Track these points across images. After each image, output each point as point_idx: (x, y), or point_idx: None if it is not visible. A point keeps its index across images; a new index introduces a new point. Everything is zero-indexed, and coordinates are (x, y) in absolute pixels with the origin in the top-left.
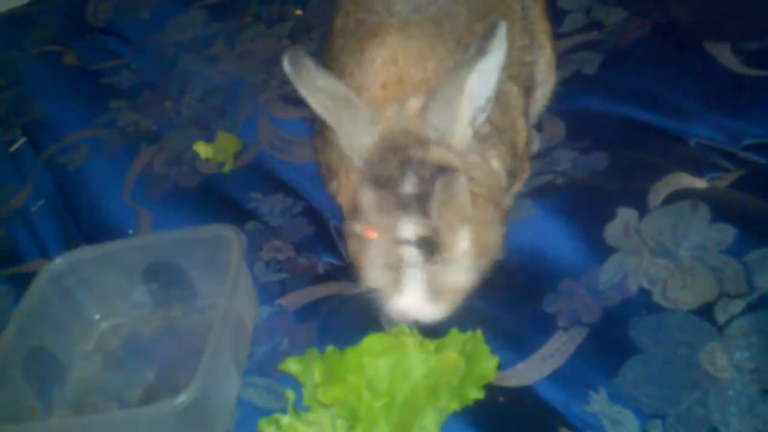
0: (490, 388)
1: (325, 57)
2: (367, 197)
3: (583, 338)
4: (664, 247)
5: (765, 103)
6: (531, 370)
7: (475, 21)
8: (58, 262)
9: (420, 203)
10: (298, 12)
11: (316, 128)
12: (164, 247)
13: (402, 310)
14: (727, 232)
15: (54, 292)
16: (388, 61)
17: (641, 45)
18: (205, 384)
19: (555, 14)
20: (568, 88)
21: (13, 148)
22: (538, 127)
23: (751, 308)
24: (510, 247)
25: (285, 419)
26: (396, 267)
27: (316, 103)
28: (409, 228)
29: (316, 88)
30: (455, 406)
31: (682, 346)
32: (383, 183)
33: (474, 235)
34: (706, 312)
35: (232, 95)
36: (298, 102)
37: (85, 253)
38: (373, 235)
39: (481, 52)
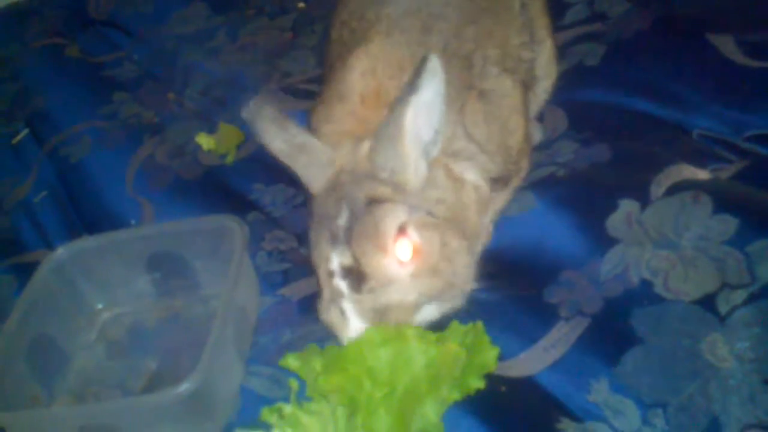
0: (492, 378)
1: (324, 65)
2: (310, 235)
3: (584, 328)
4: (666, 239)
5: (767, 95)
6: (533, 360)
7: (465, 25)
8: (61, 251)
9: (346, 234)
10: (301, 5)
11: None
12: (167, 238)
13: (348, 336)
14: (729, 223)
15: (57, 281)
16: (366, 71)
17: (644, 37)
18: (208, 373)
19: (557, 6)
20: (570, 80)
21: (15, 140)
22: (540, 118)
23: (752, 299)
24: (511, 238)
25: (287, 408)
26: (336, 300)
27: (276, 150)
28: (335, 260)
29: (275, 136)
30: (456, 396)
31: (683, 337)
32: (321, 221)
33: (419, 260)
34: (707, 302)
35: (234, 87)
36: (300, 94)
37: (88, 242)
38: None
39: (413, 88)
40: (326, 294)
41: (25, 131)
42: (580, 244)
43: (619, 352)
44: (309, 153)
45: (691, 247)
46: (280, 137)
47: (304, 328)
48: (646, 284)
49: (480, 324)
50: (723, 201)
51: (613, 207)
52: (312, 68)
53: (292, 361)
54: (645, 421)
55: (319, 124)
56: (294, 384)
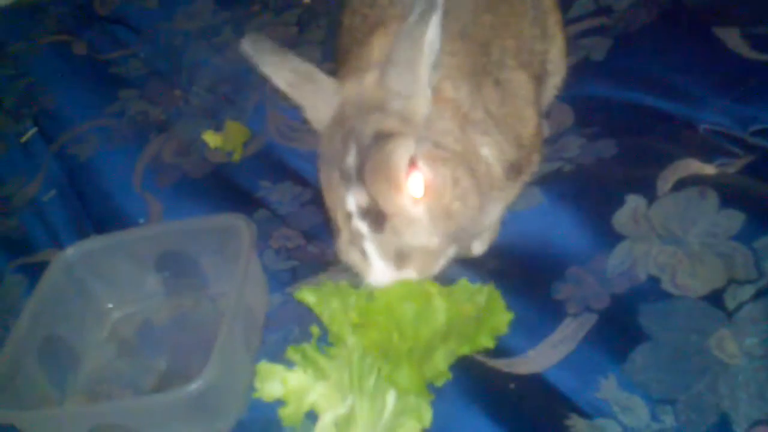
0: (500, 375)
1: (335, 53)
2: (320, 176)
3: (592, 325)
4: (672, 234)
5: None
6: (541, 357)
7: (482, 12)
8: (70, 251)
9: (358, 173)
10: (306, 0)
11: None
12: (175, 236)
13: (375, 282)
14: (736, 219)
15: (66, 281)
16: (386, 47)
17: (650, 30)
18: (218, 371)
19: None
20: (576, 75)
21: (24, 139)
22: (546, 114)
23: (760, 294)
24: (518, 234)
25: (310, 349)
26: (355, 241)
27: (281, 79)
28: (351, 201)
29: (279, 65)
30: (465, 350)
31: (691, 333)
32: (329, 160)
33: (432, 197)
34: (715, 298)
35: (240, 84)
36: None
37: (97, 242)
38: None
39: (433, 5)
40: (345, 235)
41: (34, 129)
42: (586, 239)
43: (627, 348)
44: (315, 82)
45: (698, 242)
46: (285, 66)
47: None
48: (653, 280)
49: (493, 287)
50: (730, 196)
51: (620, 203)
52: (318, 63)
53: (308, 295)
54: (654, 418)
55: None
56: (315, 330)
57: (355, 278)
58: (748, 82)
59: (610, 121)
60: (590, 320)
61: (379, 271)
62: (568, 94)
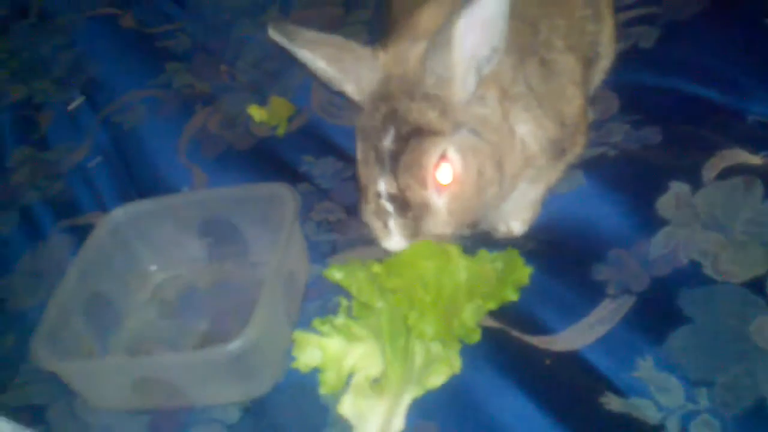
0: (536, 351)
1: (383, 26)
2: (357, 147)
3: (630, 306)
4: (716, 221)
5: None
6: (578, 336)
7: None
8: (117, 213)
9: (392, 162)
10: None
11: None
12: (220, 203)
13: (390, 246)
14: None
15: (112, 242)
16: (436, 16)
17: (699, 20)
18: (258, 332)
19: None
20: (623, 62)
21: (72, 107)
22: (591, 100)
23: None
24: (559, 216)
25: (339, 320)
26: (380, 214)
27: (320, 56)
28: (382, 185)
29: (317, 42)
30: (492, 306)
31: (731, 318)
32: (368, 134)
33: (456, 188)
34: (756, 286)
35: (285, 61)
36: None
37: (144, 205)
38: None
39: (469, 2)
40: (372, 205)
41: (81, 98)
42: (629, 223)
43: (665, 330)
44: (355, 52)
45: (741, 230)
46: (323, 42)
47: None
48: (694, 265)
49: (513, 250)
50: None
51: (664, 189)
52: (365, 43)
53: (335, 272)
54: (689, 398)
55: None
56: (344, 301)
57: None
58: None
59: (656, 109)
60: (629, 302)
61: (397, 244)
62: (615, 81)
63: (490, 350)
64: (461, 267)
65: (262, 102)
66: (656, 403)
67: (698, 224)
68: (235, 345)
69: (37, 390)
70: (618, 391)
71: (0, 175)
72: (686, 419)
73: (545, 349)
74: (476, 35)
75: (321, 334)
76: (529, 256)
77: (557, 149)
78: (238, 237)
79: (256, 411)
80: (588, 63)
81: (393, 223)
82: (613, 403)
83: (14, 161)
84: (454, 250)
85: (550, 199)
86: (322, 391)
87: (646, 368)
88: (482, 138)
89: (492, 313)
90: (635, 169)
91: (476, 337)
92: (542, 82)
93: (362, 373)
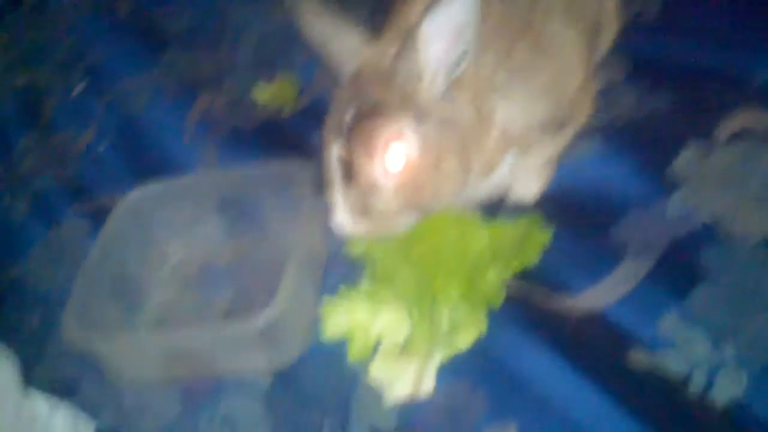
0: (561, 311)
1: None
2: (324, 132)
3: (652, 265)
4: (731, 182)
5: None
6: (601, 295)
7: None
8: (135, 193)
9: (348, 130)
10: None
11: None
12: (237, 181)
13: (335, 224)
14: None
15: (132, 222)
16: (418, 14)
17: None
18: (286, 301)
19: None
20: (628, 29)
21: (74, 92)
22: (598, 66)
23: None
24: (574, 181)
25: (364, 285)
26: (332, 184)
27: (318, 33)
28: (335, 149)
29: (318, 15)
30: (516, 266)
31: (751, 273)
32: (337, 108)
33: (406, 175)
34: None
35: (288, 40)
36: None
37: (161, 185)
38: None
39: (437, 2)
40: (329, 176)
41: (83, 83)
42: (644, 185)
43: (687, 287)
44: (347, 39)
45: (757, 190)
46: (325, 20)
47: None
48: (712, 223)
49: (533, 214)
50: None
51: (676, 151)
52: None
53: (356, 247)
54: (716, 347)
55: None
56: (368, 270)
57: None
58: None
59: (665, 76)
60: (650, 261)
61: (339, 217)
62: (621, 47)
63: (515, 311)
64: (483, 233)
65: (267, 82)
66: (682, 354)
67: (714, 184)
68: (263, 316)
69: (67, 363)
70: (645, 345)
71: (9, 162)
72: (712, 372)
73: (569, 308)
74: (443, 41)
75: (348, 299)
76: (548, 219)
77: (552, 126)
78: (256, 214)
79: (285, 379)
80: (592, 32)
81: (337, 192)
82: (639, 356)
83: (22, 147)
84: (475, 217)
85: (564, 164)
86: (351, 358)
87: (670, 322)
88: (447, 133)
89: (515, 276)
90: (646, 135)
91: (501, 298)
92: (534, 64)
93: (390, 339)
